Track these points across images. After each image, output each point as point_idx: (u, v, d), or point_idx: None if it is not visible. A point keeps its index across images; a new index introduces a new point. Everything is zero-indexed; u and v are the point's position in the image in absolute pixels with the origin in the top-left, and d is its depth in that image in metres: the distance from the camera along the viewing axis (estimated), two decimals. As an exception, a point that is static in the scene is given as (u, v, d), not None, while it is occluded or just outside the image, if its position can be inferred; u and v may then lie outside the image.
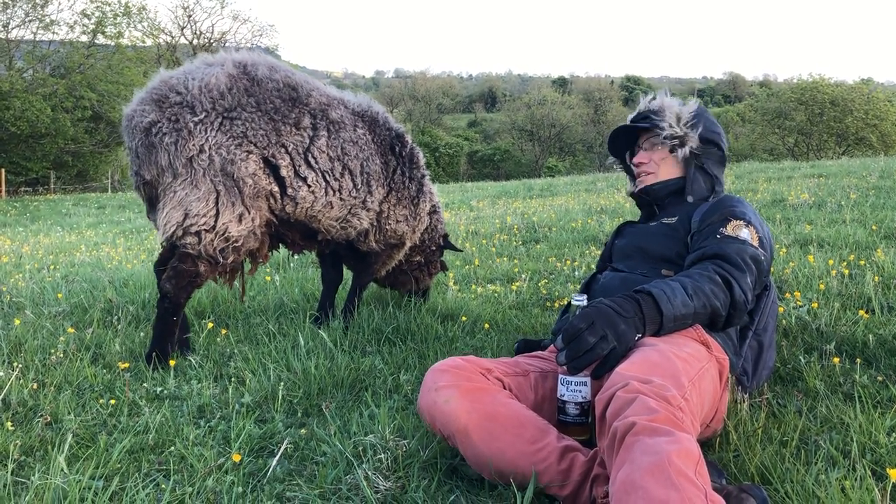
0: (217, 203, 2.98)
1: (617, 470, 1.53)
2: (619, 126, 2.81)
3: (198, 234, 2.99)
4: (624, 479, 1.47)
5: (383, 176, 3.61)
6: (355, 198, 3.44)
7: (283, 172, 3.12)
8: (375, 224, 3.67)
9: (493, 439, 1.88)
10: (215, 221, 2.99)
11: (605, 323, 1.90)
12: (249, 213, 3.07)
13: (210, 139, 2.94)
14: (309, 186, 3.21)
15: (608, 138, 2.88)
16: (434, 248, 4.31)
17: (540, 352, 2.42)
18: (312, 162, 3.21)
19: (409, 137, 3.85)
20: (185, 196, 2.95)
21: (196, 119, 2.93)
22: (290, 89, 3.19)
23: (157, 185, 3.02)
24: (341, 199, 3.38)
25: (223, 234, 3.02)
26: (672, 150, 2.64)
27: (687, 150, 2.61)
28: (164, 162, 2.93)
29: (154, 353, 3.10)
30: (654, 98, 2.75)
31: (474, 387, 1.99)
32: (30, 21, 29.94)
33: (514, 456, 1.86)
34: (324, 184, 3.26)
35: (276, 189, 3.13)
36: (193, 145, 2.92)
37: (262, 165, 3.06)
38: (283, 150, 3.10)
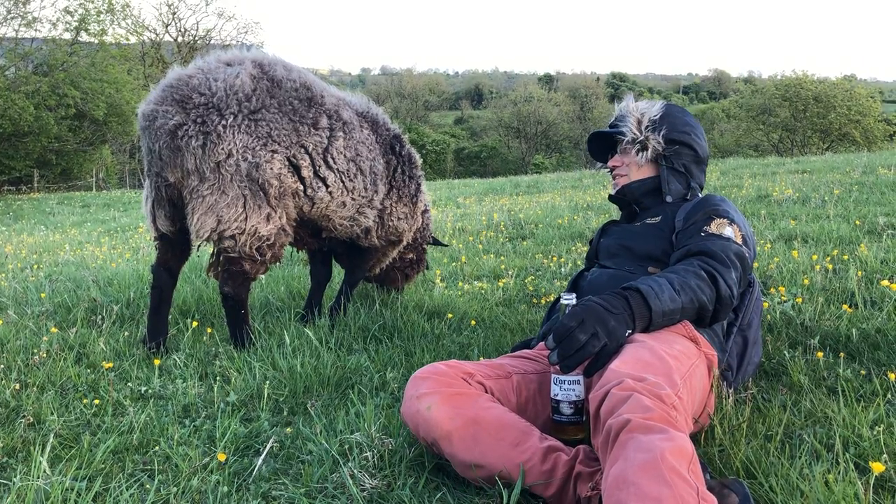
0: (245, 207, 3.03)
1: (610, 466, 1.53)
2: (593, 132, 2.88)
3: (233, 237, 3.06)
4: (617, 475, 1.48)
5: (386, 175, 3.70)
6: (364, 197, 3.51)
7: (304, 173, 3.17)
8: (378, 221, 3.74)
9: (476, 444, 1.89)
10: (245, 224, 3.04)
11: (595, 320, 1.90)
12: (276, 213, 3.12)
13: (237, 142, 2.96)
14: (328, 187, 3.28)
15: (587, 144, 2.95)
16: (424, 246, 4.37)
17: (527, 350, 2.42)
18: (331, 162, 3.26)
19: (406, 138, 3.91)
20: (215, 202, 2.99)
21: (224, 122, 2.94)
22: (306, 89, 3.23)
23: (182, 188, 3.03)
24: (353, 198, 3.45)
25: (254, 235, 3.09)
26: (638, 153, 2.68)
27: (649, 153, 2.64)
28: (190, 165, 2.95)
29: (238, 341, 3.29)
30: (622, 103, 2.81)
31: (455, 392, 1.99)
32: (11, 18, 29.57)
33: (497, 459, 1.86)
34: (340, 184, 3.33)
35: (300, 187, 3.19)
36: (222, 149, 2.94)
37: (286, 164, 3.10)
38: (302, 150, 3.15)
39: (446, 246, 4.90)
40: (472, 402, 1.97)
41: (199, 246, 3.20)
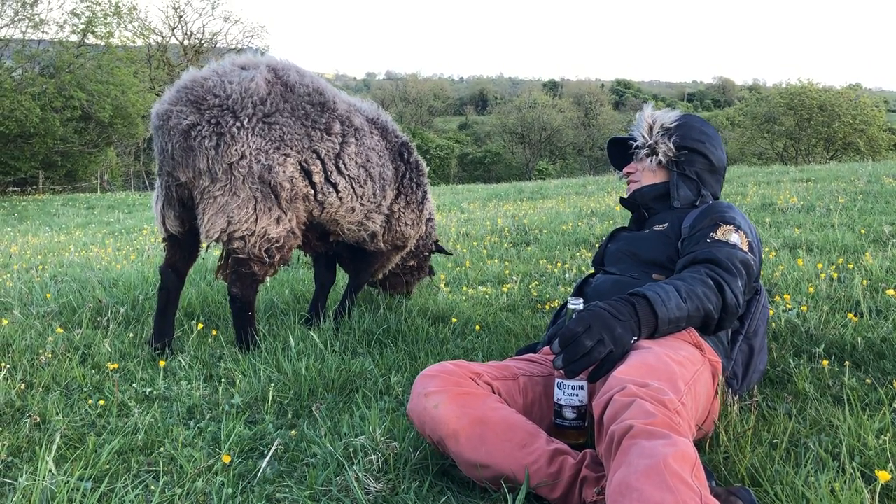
0: (255, 209, 3.05)
1: (614, 472, 1.53)
2: (611, 138, 2.94)
3: (242, 238, 3.07)
4: (620, 481, 1.48)
5: (394, 180, 3.73)
6: (372, 202, 3.53)
7: (316, 178, 3.18)
8: (385, 225, 3.76)
9: (483, 444, 1.89)
10: (255, 226, 3.06)
11: (601, 326, 1.90)
12: (286, 216, 3.14)
13: (251, 144, 2.97)
14: (338, 192, 3.29)
15: (606, 151, 3.01)
16: (427, 253, 4.42)
17: (532, 354, 2.42)
18: (343, 168, 3.29)
19: (414, 146, 3.96)
20: (226, 203, 3.01)
21: (239, 124, 2.96)
22: (319, 94, 3.25)
23: (193, 188, 3.04)
24: (362, 204, 3.47)
25: (264, 237, 3.10)
26: (647, 158, 2.70)
27: (659, 158, 2.66)
28: (202, 165, 2.96)
29: (243, 343, 3.28)
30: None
31: (463, 392, 1.99)
32: (19, 20, 29.67)
33: (503, 460, 1.86)
34: (351, 190, 3.35)
35: (311, 191, 3.20)
36: (235, 151, 2.96)
37: (298, 168, 3.12)
38: (314, 155, 3.16)
39: (450, 254, 4.91)
40: (479, 401, 1.97)
41: (208, 247, 3.21)
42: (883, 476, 1.67)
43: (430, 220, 4.31)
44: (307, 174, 3.17)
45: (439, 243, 4.61)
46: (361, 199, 3.44)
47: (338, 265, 4.20)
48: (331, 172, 3.24)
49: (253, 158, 2.98)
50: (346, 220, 3.45)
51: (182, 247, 3.32)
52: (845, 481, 1.77)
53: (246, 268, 3.16)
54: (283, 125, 3.05)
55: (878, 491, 1.69)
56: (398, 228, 3.83)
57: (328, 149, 3.21)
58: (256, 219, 3.05)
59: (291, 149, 3.08)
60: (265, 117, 3.02)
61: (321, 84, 3.32)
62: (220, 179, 2.97)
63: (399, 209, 3.80)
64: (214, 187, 2.99)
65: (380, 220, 3.66)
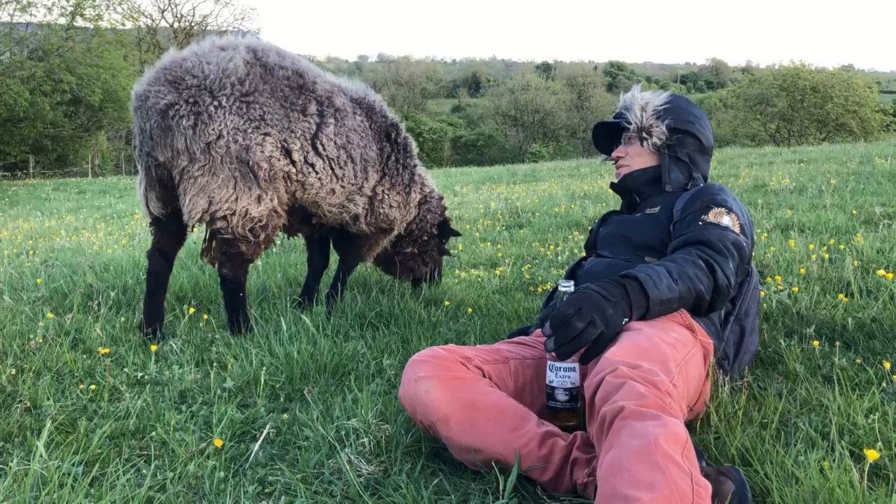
0: (235, 188, 3.06)
1: (605, 453, 1.54)
2: (598, 123, 2.89)
3: (224, 217, 3.08)
4: (611, 461, 1.48)
5: (378, 161, 3.68)
6: (353, 184, 3.51)
7: (296, 157, 3.19)
8: (367, 207, 3.72)
9: (474, 427, 1.89)
10: (236, 205, 3.07)
11: (592, 308, 1.90)
12: (267, 195, 3.14)
13: (228, 124, 2.98)
14: (317, 173, 3.29)
15: (591, 136, 2.95)
16: (426, 237, 4.24)
17: (524, 337, 2.42)
18: (321, 149, 3.28)
19: (403, 126, 3.88)
20: (206, 183, 3.02)
21: (216, 103, 2.96)
22: (298, 76, 3.25)
23: (172, 168, 3.04)
24: (342, 186, 3.45)
25: (245, 216, 3.11)
26: (642, 142, 2.67)
27: (655, 140, 2.63)
28: (180, 145, 2.96)
29: (235, 326, 3.32)
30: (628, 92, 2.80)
31: (454, 376, 1.99)
32: (6, 3, 29.39)
33: (494, 443, 1.87)
34: (329, 171, 3.34)
35: (292, 170, 3.21)
36: (213, 130, 2.96)
37: (279, 148, 3.13)
38: (293, 135, 3.17)
39: (458, 234, 4.66)
40: (470, 386, 1.98)
41: (193, 227, 3.22)
42: (871, 455, 1.68)
43: (424, 203, 4.14)
44: (288, 153, 3.17)
45: (449, 225, 4.37)
46: (342, 180, 3.42)
47: (331, 248, 4.17)
48: (308, 153, 3.23)
49: (230, 138, 2.99)
50: (327, 202, 3.44)
51: (168, 230, 3.31)
52: (834, 460, 1.78)
53: (234, 248, 3.17)
54: (262, 105, 3.06)
55: (866, 469, 1.70)
56: (381, 211, 3.77)
57: (304, 129, 3.20)
58: (237, 198, 3.06)
59: (272, 128, 3.08)
60: (243, 97, 3.02)
61: (301, 65, 3.31)
62: (198, 159, 2.98)
63: (383, 191, 3.74)
64: (193, 167, 2.99)
65: (362, 202, 3.63)
